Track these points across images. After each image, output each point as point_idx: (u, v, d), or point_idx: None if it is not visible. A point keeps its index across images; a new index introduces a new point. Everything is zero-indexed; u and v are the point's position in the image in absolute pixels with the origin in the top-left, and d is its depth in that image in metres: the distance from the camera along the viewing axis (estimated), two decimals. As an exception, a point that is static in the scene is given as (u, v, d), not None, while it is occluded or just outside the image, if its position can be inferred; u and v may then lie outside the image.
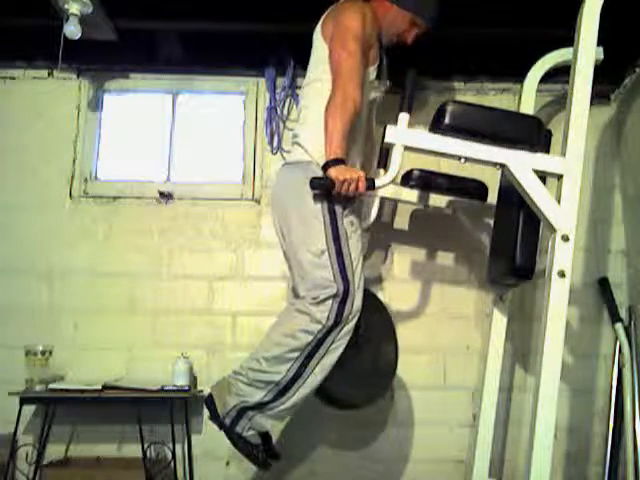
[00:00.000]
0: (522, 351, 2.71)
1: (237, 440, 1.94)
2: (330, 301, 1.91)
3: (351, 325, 1.95)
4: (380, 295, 2.72)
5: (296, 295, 2.06)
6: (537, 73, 2.57)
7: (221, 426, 1.95)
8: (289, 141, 2.85)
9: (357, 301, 1.94)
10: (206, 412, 2.60)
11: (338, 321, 1.91)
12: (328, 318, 1.90)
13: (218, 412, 1.95)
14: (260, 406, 1.93)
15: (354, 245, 1.97)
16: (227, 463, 2.60)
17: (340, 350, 1.94)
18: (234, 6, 2.53)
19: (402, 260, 2.80)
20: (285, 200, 2.07)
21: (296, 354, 1.91)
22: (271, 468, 2.03)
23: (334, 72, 2.02)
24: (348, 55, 1.99)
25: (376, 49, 2.16)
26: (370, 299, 2.18)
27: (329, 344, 1.92)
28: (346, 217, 1.98)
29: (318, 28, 2.18)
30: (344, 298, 1.91)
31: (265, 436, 2.01)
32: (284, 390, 1.92)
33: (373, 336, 2.14)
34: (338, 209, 1.96)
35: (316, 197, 1.95)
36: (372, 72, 2.16)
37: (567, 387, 2.63)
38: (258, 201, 2.84)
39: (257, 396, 1.93)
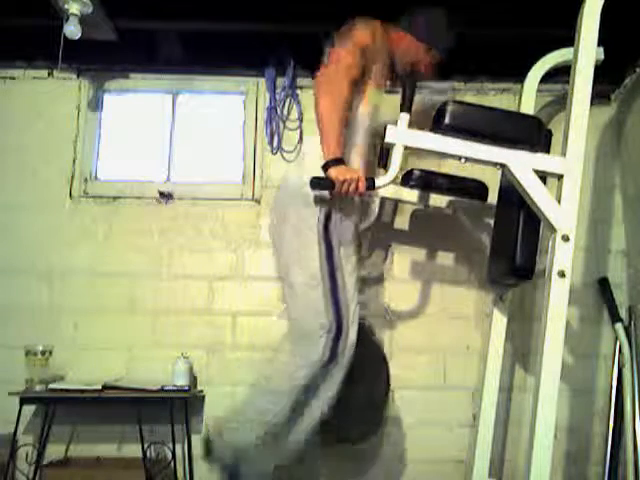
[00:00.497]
0: (522, 351, 2.71)
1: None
2: (324, 338, 1.89)
3: (346, 359, 1.92)
4: (380, 295, 2.73)
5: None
6: (537, 73, 2.56)
7: (224, 470, 1.97)
8: (289, 141, 2.88)
9: (351, 337, 1.92)
10: (206, 412, 2.65)
11: (332, 357, 1.89)
12: (323, 354, 1.89)
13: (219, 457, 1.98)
14: (261, 448, 1.92)
15: (349, 278, 1.96)
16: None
17: (337, 384, 1.92)
18: (234, 6, 2.53)
19: (402, 260, 2.79)
20: (284, 224, 2.04)
21: (291, 391, 1.89)
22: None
23: (328, 69, 1.98)
24: (346, 53, 1.98)
25: (386, 70, 2.13)
26: (365, 333, 2.17)
27: (324, 379, 1.90)
28: (343, 247, 1.97)
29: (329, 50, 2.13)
30: (337, 335, 1.90)
31: None
32: (282, 431, 1.91)
33: (365, 371, 2.12)
34: (335, 241, 1.95)
35: (313, 228, 1.94)
36: (379, 93, 2.12)
37: (567, 387, 2.63)
38: (258, 201, 2.84)
39: (257, 438, 1.91)
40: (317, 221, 1.96)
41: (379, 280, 2.77)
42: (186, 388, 2.48)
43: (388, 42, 2.14)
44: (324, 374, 1.90)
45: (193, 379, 2.60)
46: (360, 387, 2.09)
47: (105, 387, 2.40)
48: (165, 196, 2.83)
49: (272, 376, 1.96)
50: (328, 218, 1.96)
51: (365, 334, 2.17)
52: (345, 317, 1.91)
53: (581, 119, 2.00)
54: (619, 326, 2.62)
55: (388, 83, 2.19)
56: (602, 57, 2.31)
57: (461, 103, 2.04)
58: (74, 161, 2.87)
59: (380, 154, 2.39)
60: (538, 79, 2.57)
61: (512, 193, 2.13)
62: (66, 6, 2.37)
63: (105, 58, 2.85)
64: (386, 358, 2.29)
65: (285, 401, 1.90)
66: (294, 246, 1.98)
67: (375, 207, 2.44)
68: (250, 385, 2.05)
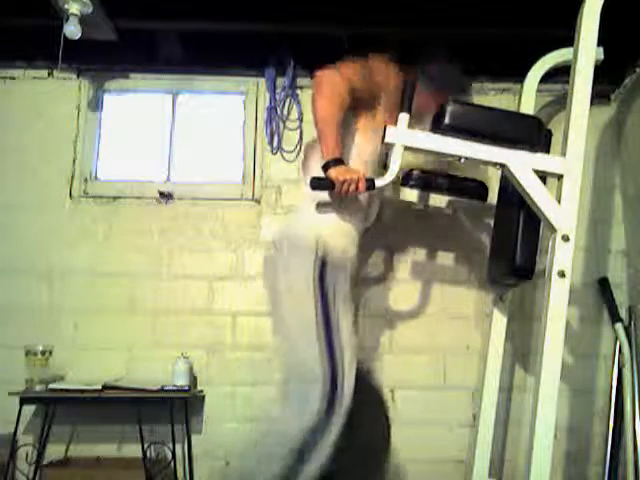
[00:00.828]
0: (522, 351, 2.71)
1: None
2: (319, 393, 1.83)
3: (343, 410, 1.85)
4: (380, 295, 2.73)
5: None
6: (537, 73, 2.56)
7: None
8: (289, 141, 2.88)
9: (346, 390, 1.85)
10: (206, 412, 2.65)
11: (329, 411, 1.83)
12: (319, 410, 1.82)
13: None
14: None
15: (344, 323, 1.91)
16: (227, 463, 2.59)
17: (334, 434, 1.84)
18: (234, 6, 2.53)
19: (402, 260, 2.79)
20: (282, 276, 1.99)
21: (290, 447, 1.83)
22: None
23: (328, 68, 1.95)
24: (347, 65, 1.97)
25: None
26: (363, 380, 2.11)
27: (322, 433, 1.83)
28: (337, 294, 1.91)
29: None
30: (332, 390, 1.84)
31: None
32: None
33: (363, 419, 2.06)
34: (330, 289, 1.91)
35: (309, 277, 1.90)
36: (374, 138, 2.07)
37: (567, 387, 2.63)
38: (258, 201, 2.84)
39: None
40: (313, 269, 1.91)
41: (379, 280, 2.77)
42: (186, 388, 2.48)
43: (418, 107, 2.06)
44: (323, 425, 1.84)
45: (193, 379, 2.60)
46: (358, 433, 2.02)
47: (105, 387, 2.40)
48: (165, 196, 2.83)
49: (270, 433, 1.89)
50: (324, 265, 1.92)
51: (363, 379, 2.11)
52: (340, 365, 1.86)
53: (581, 119, 2.00)
54: (619, 326, 2.62)
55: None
56: (602, 57, 2.31)
57: (461, 103, 2.04)
58: (74, 161, 2.87)
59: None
60: (538, 79, 2.57)
61: (512, 193, 2.13)
62: (66, 6, 2.37)
63: (105, 58, 2.85)
64: (385, 402, 2.24)
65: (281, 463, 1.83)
66: (289, 295, 1.94)
67: (375, 207, 2.44)
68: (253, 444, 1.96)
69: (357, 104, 2.02)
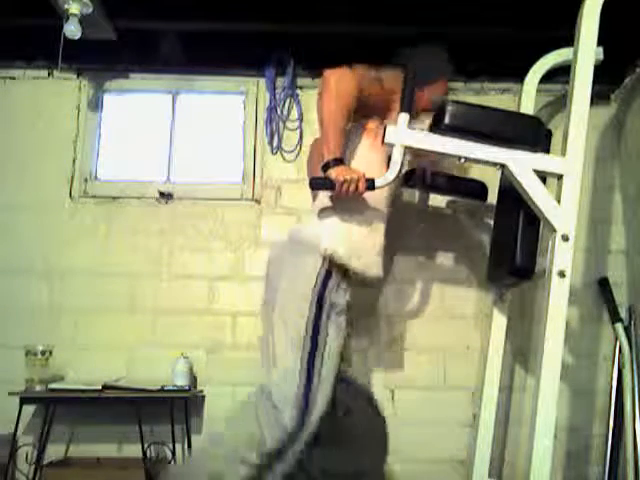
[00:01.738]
0: (522, 351, 2.71)
1: None
2: (289, 411, 1.79)
3: (308, 433, 1.81)
4: (380, 295, 2.73)
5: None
6: (537, 73, 2.57)
7: None
8: (289, 141, 2.88)
9: (318, 408, 1.82)
10: (206, 412, 2.65)
11: (298, 429, 1.80)
12: (286, 425, 1.78)
13: None
14: None
15: (333, 345, 1.88)
16: (227, 463, 2.59)
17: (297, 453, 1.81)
18: (234, 6, 2.53)
19: (402, 260, 2.79)
20: (284, 273, 1.98)
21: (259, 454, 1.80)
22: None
23: (337, 68, 1.96)
24: (354, 70, 1.96)
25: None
26: (365, 402, 2.15)
27: (292, 446, 1.81)
28: (333, 311, 1.90)
29: None
30: (304, 407, 1.80)
31: None
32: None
33: (359, 439, 2.05)
34: (327, 304, 1.89)
35: (311, 282, 1.89)
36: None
37: (567, 387, 2.63)
38: (258, 201, 2.84)
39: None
40: (317, 275, 1.90)
41: (379, 280, 2.76)
42: (186, 388, 2.48)
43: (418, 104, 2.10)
44: (291, 441, 1.81)
45: (193, 379, 2.60)
46: (350, 457, 2.02)
47: (105, 387, 2.40)
48: (165, 196, 2.83)
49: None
50: (328, 276, 1.91)
51: (364, 403, 2.14)
52: (316, 388, 1.82)
53: (581, 119, 2.00)
54: (619, 326, 2.62)
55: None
56: (602, 57, 2.31)
57: (461, 103, 2.04)
58: (74, 161, 2.87)
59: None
60: (538, 79, 2.57)
61: (512, 193, 2.13)
62: (66, 6, 2.37)
63: (105, 58, 2.85)
64: (376, 404, 2.21)
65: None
66: (286, 296, 1.93)
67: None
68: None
69: (368, 109, 2.03)
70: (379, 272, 2.03)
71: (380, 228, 2.08)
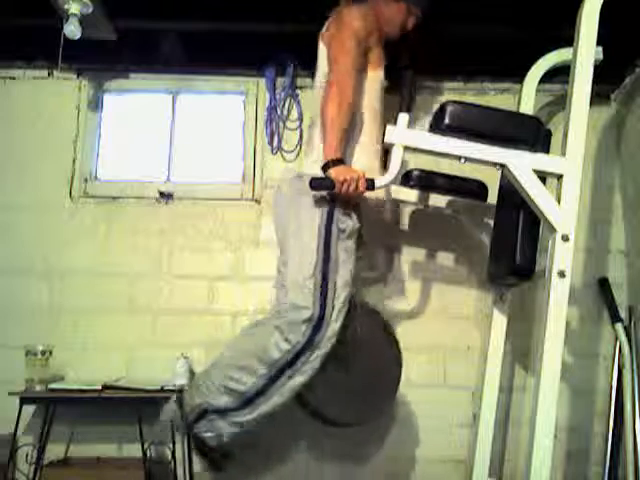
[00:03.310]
0: (522, 351, 2.71)
1: (194, 438, 1.96)
2: (305, 325, 1.90)
3: (323, 351, 1.92)
4: (380, 295, 2.73)
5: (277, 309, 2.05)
6: (537, 73, 2.57)
7: (185, 421, 1.97)
8: (289, 141, 2.88)
9: (332, 329, 1.92)
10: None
11: (309, 345, 1.90)
12: (298, 342, 1.89)
13: (185, 408, 1.97)
14: (222, 411, 1.94)
15: (343, 273, 1.95)
16: (227, 463, 2.59)
17: (309, 374, 1.92)
18: (234, 6, 2.53)
19: (402, 260, 2.79)
20: (291, 212, 2.05)
21: (263, 370, 1.91)
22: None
23: (330, 72, 2.02)
24: (344, 54, 2.00)
25: (380, 51, 2.17)
26: (376, 320, 2.20)
27: (298, 367, 1.91)
28: (342, 242, 1.97)
29: (320, 36, 2.18)
30: (318, 325, 1.90)
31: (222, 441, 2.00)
32: (247, 402, 1.92)
33: (372, 356, 2.13)
34: (335, 232, 1.96)
35: (317, 214, 1.95)
36: (380, 74, 2.17)
37: (567, 387, 2.63)
38: (258, 201, 2.84)
39: (221, 401, 1.94)
40: (321, 211, 1.97)
41: (379, 280, 2.77)
42: (186, 388, 2.47)
43: (375, 18, 2.17)
44: (297, 361, 1.91)
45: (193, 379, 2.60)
46: (359, 372, 2.10)
47: (105, 387, 2.40)
48: (165, 196, 2.83)
49: (250, 352, 1.95)
50: (334, 201, 1.97)
51: (376, 323, 2.20)
52: (328, 309, 1.91)
53: (581, 119, 2.00)
54: (619, 326, 2.62)
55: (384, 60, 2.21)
56: (601, 57, 2.31)
57: (461, 103, 2.04)
58: (74, 161, 2.87)
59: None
60: (538, 79, 2.57)
61: (512, 193, 2.13)
62: (66, 6, 2.37)
63: (105, 58, 2.84)
64: (399, 350, 2.27)
65: (256, 379, 1.91)
66: (299, 231, 1.99)
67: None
68: (226, 348, 2.05)
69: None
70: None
71: (376, 129, 2.14)
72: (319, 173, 1.94)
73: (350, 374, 2.07)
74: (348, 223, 1.99)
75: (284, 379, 1.91)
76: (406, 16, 2.27)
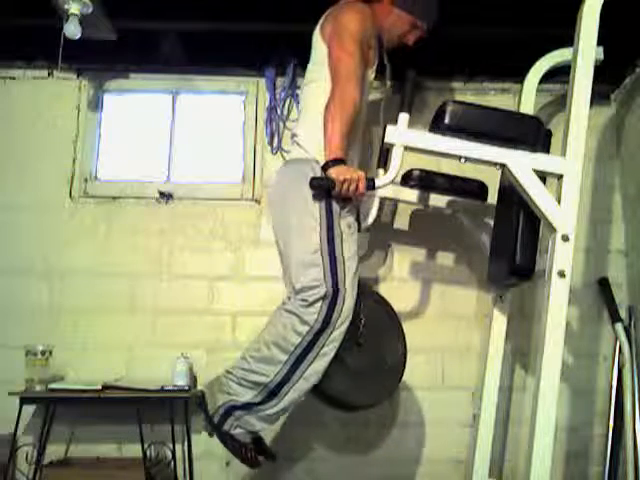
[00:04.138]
0: (522, 351, 2.72)
1: (225, 437, 1.93)
2: (319, 303, 1.88)
3: (342, 329, 1.91)
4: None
5: (288, 295, 2.04)
6: (537, 73, 2.57)
7: (210, 423, 1.94)
8: (289, 141, 2.87)
9: (347, 304, 1.91)
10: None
11: (327, 324, 1.88)
12: (316, 320, 1.88)
13: (208, 410, 1.94)
14: (249, 406, 1.92)
15: (349, 248, 1.95)
16: (227, 463, 2.59)
17: (331, 355, 1.91)
18: (234, 6, 2.53)
19: (402, 260, 2.79)
20: (283, 198, 2.06)
21: (285, 357, 1.89)
22: (267, 466, 2.02)
23: (333, 72, 2.02)
24: (347, 55, 2.00)
25: (375, 50, 2.18)
26: (376, 300, 2.18)
27: (319, 348, 1.89)
28: (343, 218, 1.97)
29: (317, 28, 2.19)
30: (333, 301, 1.89)
31: (256, 437, 1.99)
32: (273, 393, 1.90)
33: (376, 336, 2.11)
34: (336, 209, 1.95)
35: (315, 196, 1.94)
36: (371, 74, 2.19)
37: (567, 387, 2.63)
38: (258, 201, 2.84)
39: (246, 396, 1.92)
40: (319, 209, 1.95)
41: (379, 280, 2.77)
42: (186, 388, 2.47)
43: (375, 20, 2.17)
44: (318, 342, 1.89)
45: (193, 379, 2.60)
46: (367, 353, 2.08)
47: (105, 387, 2.40)
48: (165, 196, 2.83)
49: (268, 342, 1.93)
50: (330, 204, 1.95)
51: (377, 303, 2.19)
52: (342, 285, 1.90)
53: (581, 119, 2.00)
54: (619, 326, 2.62)
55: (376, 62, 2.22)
56: (602, 57, 2.31)
57: (461, 103, 2.05)
58: (74, 161, 2.87)
59: (380, 154, 2.39)
60: (538, 79, 2.57)
61: (512, 193, 2.13)
62: (66, 6, 2.37)
63: (105, 58, 2.85)
64: (402, 330, 2.24)
65: (279, 368, 1.90)
66: (295, 213, 1.98)
67: (374, 207, 2.45)
68: (245, 349, 2.02)
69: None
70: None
71: (362, 125, 2.18)
72: (303, 153, 1.99)
73: (360, 353, 2.04)
74: (349, 219, 2.00)
75: (306, 363, 1.89)
76: (409, 29, 2.24)
